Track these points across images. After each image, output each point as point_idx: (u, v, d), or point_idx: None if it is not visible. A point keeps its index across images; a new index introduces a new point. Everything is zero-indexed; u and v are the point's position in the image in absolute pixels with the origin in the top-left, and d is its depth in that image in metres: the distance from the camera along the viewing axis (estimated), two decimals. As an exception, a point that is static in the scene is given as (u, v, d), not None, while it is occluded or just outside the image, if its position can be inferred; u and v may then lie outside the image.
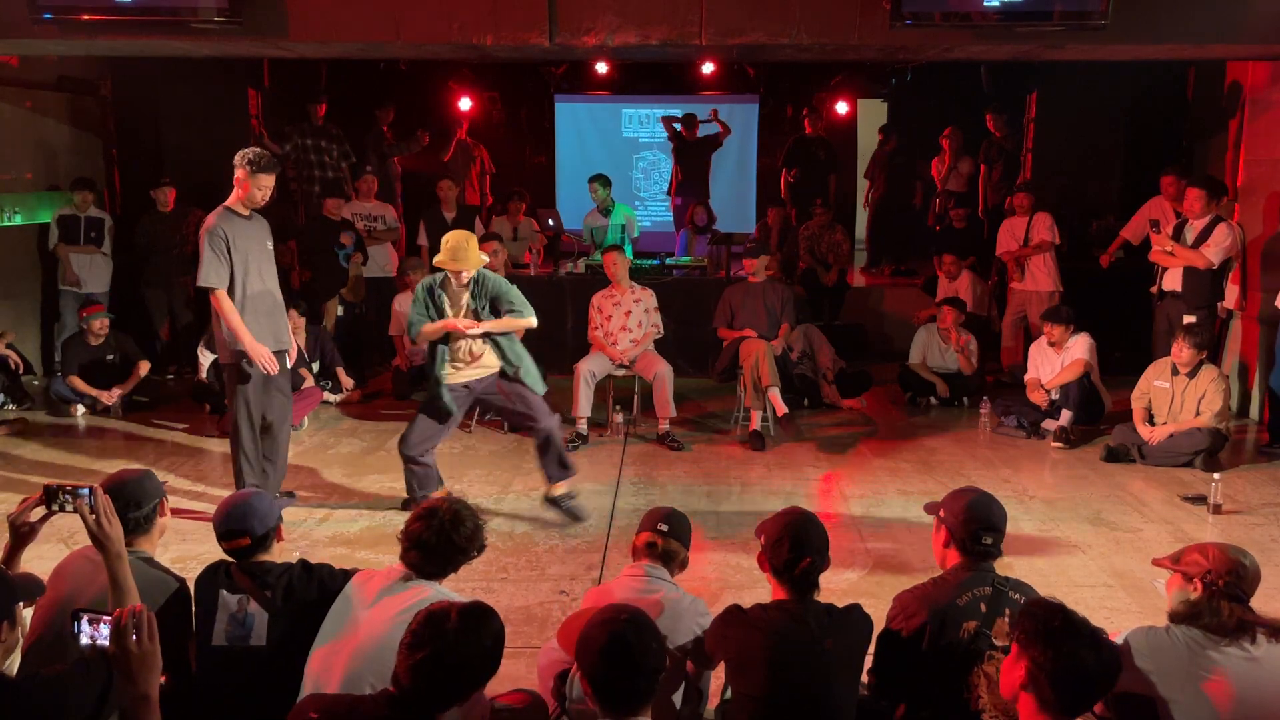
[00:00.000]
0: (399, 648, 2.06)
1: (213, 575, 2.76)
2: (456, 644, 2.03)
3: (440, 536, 2.65)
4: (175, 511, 3.43)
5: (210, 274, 4.60)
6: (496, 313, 4.88)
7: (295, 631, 2.66)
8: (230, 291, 4.65)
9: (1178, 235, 6.54)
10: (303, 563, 2.80)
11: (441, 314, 4.83)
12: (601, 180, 8.48)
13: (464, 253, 4.71)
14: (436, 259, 4.78)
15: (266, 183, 4.66)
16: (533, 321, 4.98)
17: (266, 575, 2.71)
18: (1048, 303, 7.42)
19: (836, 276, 8.99)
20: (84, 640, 2.05)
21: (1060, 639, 1.98)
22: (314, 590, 2.73)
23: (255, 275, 4.70)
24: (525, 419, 5.04)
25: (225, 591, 2.69)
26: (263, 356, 4.70)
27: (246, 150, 4.66)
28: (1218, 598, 2.42)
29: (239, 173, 4.62)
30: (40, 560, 2.89)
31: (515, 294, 4.93)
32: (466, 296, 4.85)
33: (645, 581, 2.88)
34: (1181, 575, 2.53)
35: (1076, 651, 1.97)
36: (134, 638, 2.00)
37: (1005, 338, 8.04)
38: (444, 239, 4.78)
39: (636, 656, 2.07)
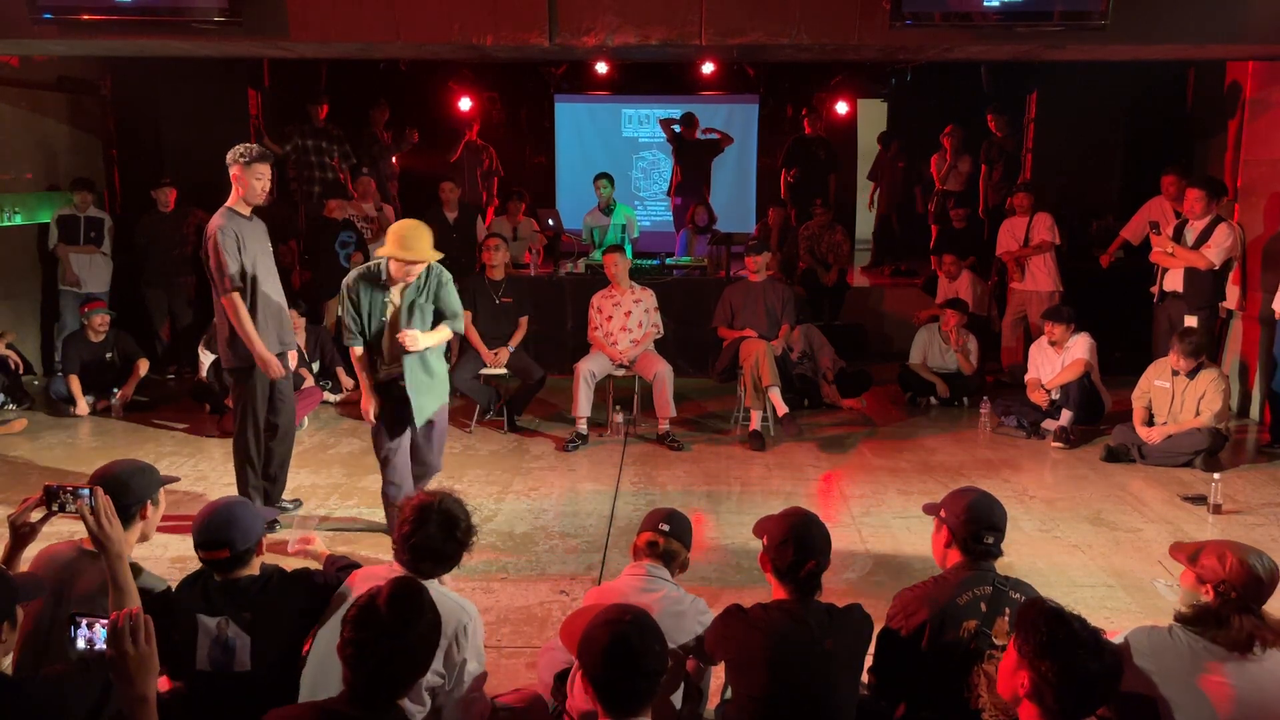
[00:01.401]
0: (336, 650, 2.05)
1: (189, 591, 2.65)
2: (395, 634, 2.03)
3: (439, 539, 2.63)
4: (172, 516, 3.39)
5: (234, 275, 4.53)
6: (436, 312, 4.49)
7: (280, 650, 2.62)
8: (245, 294, 4.62)
9: (1178, 236, 6.54)
10: (280, 573, 2.71)
11: (380, 312, 4.43)
12: (607, 178, 8.51)
13: (415, 242, 4.28)
14: (381, 250, 4.35)
15: (263, 172, 4.60)
16: (459, 329, 4.58)
17: (242, 594, 2.61)
18: (1048, 303, 7.43)
19: (836, 276, 9.00)
20: (80, 644, 2.04)
21: (1064, 652, 1.95)
22: (293, 602, 2.67)
23: (263, 276, 4.68)
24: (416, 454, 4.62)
25: (203, 616, 2.59)
26: (272, 365, 4.67)
27: (236, 146, 4.61)
28: (1229, 609, 2.39)
29: (234, 170, 4.57)
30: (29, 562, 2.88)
31: (455, 297, 4.52)
32: (410, 290, 4.42)
33: (646, 581, 2.88)
34: (1196, 576, 2.50)
35: (1082, 663, 1.95)
36: (131, 640, 2.00)
37: (1005, 338, 8.04)
38: (391, 228, 4.38)
39: (639, 658, 2.07)
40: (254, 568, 2.71)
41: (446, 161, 10.12)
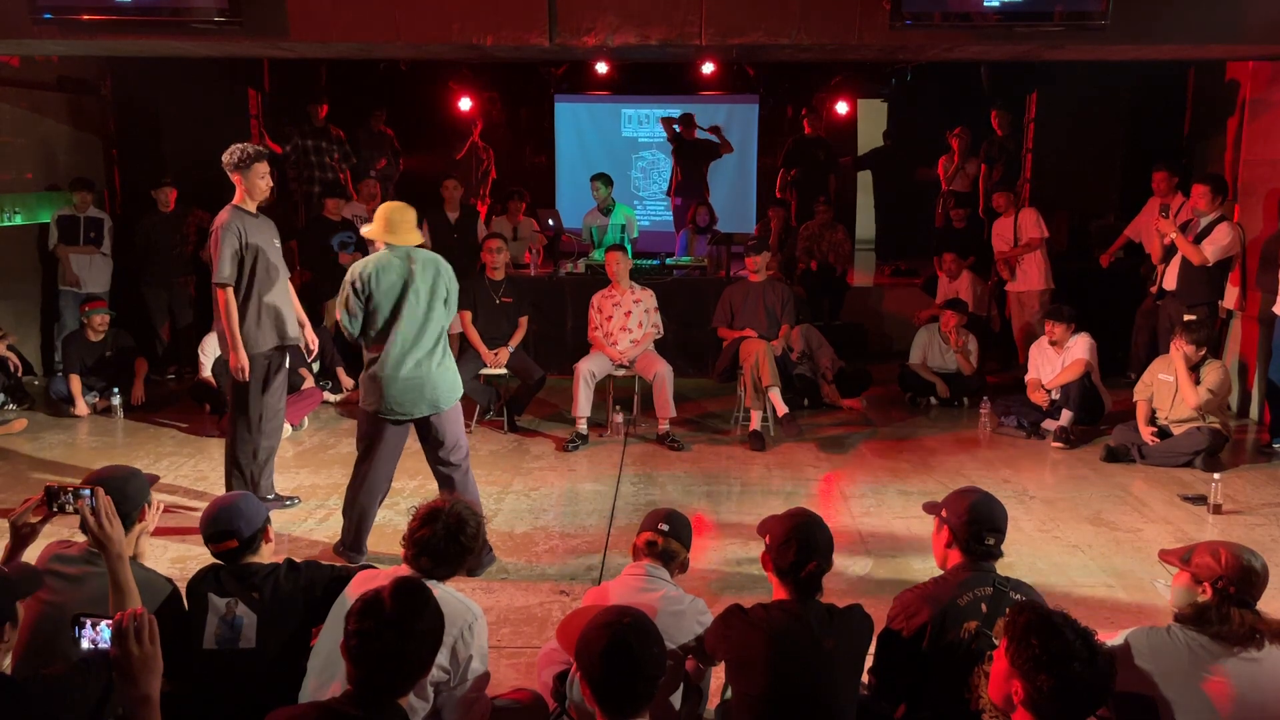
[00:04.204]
0: (340, 647, 2.07)
1: (204, 578, 2.76)
2: (398, 625, 2.05)
3: (448, 540, 2.67)
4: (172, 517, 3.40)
5: (225, 270, 4.57)
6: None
7: (286, 632, 2.68)
8: (241, 289, 4.65)
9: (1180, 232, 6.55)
10: (289, 561, 2.80)
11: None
12: (604, 179, 8.50)
13: (400, 226, 4.23)
14: (368, 230, 4.28)
15: (263, 171, 4.64)
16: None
17: (253, 576, 2.71)
18: (1039, 300, 7.44)
19: (838, 272, 9.01)
20: (85, 645, 2.05)
21: (1059, 666, 1.93)
22: (301, 589, 2.74)
23: (264, 273, 4.70)
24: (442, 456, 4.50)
25: (213, 594, 2.70)
26: (242, 367, 4.66)
27: (231, 149, 4.60)
28: (1228, 604, 2.40)
29: (233, 176, 4.62)
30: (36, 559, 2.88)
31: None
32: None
33: (645, 581, 2.89)
34: (1191, 576, 2.51)
35: (1077, 675, 1.94)
36: (135, 640, 2.00)
37: (1021, 347, 7.95)
38: (380, 208, 4.30)
39: (637, 660, 2.07)
40: (264, 556, 2.81)
41: (447, 161, 10.12)
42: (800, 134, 10.53)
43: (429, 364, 4.27)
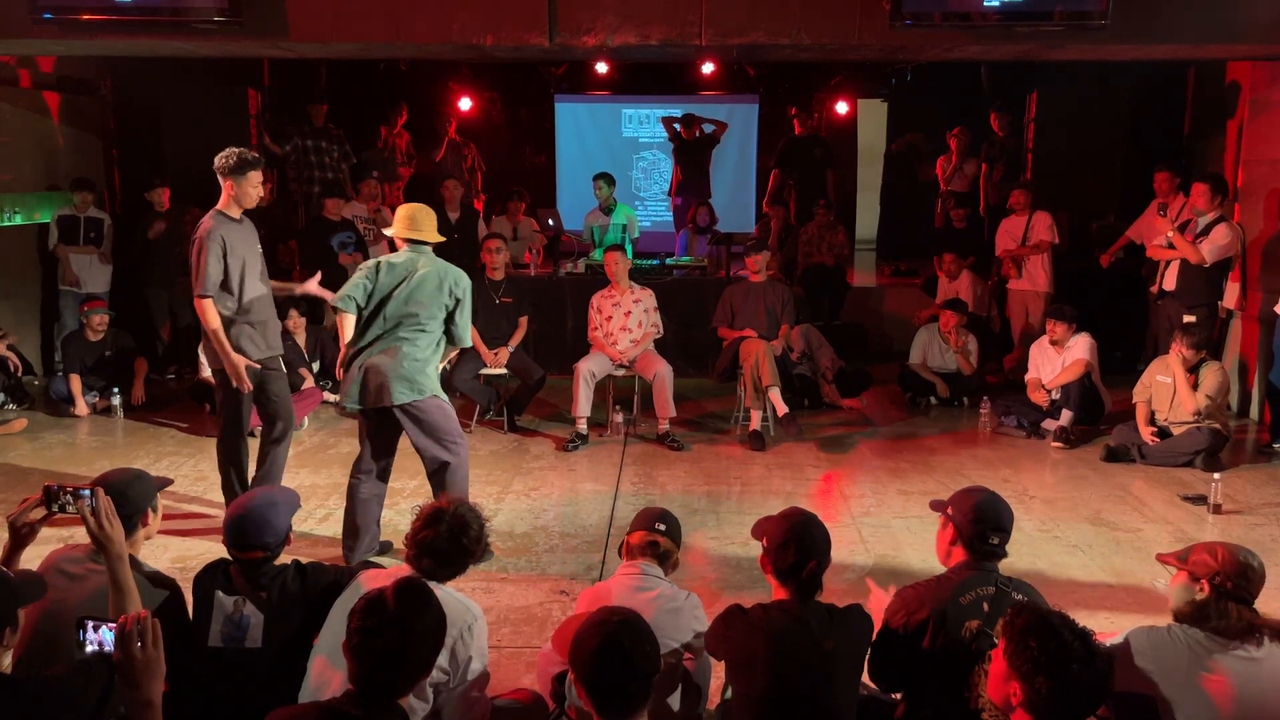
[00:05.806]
0: (342, 647, 2.07)
1: (210, 575, 2.75)
2: (401, 623, 2.05)
3: (450, 542, 2.67)
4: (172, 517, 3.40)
5: (210, 281, 4.45)
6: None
7: (291, 633, 2.67)
8: (230, 300, 4.55)
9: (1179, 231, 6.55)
10: (296, 563, 2.79)
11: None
12: (606, 179, 8.51)
13: (422, 223, 4.39)
14: (392, 230, 4.45)
15: (256, 179, 4.55)
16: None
17: (262, 576, 2.70)
18: (1044, 303, 7.43)
19: (834, 261, 9.05)
20: (90, 648, 2.05)
21: (1057, 668, 1.93)
22: (309, 591, 2.73)
23: (251, 279, 4.61)
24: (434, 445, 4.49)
25: (221, 593, 2.69)
26: (239, 372, 4.55)
27: (226, 153, 4.49)
28: (1225, 600, 2.41)
29: (225, 181, 4.50)
30: (40, 561, 2.88)
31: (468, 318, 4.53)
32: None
33: (641, 580, 2.89)
34: (1188, 574, 2.52)
35: (1075, 676, 1.94)
36: (139, 644, 2.00)
37: (1018, 346, 7.97)
38: (400, 208, 4.47)
39: (630, 659, 2.07)
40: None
41: (434, 161, 10.10)
42: (791, 134, 10.53)
43: (390, 355, 4.28)
